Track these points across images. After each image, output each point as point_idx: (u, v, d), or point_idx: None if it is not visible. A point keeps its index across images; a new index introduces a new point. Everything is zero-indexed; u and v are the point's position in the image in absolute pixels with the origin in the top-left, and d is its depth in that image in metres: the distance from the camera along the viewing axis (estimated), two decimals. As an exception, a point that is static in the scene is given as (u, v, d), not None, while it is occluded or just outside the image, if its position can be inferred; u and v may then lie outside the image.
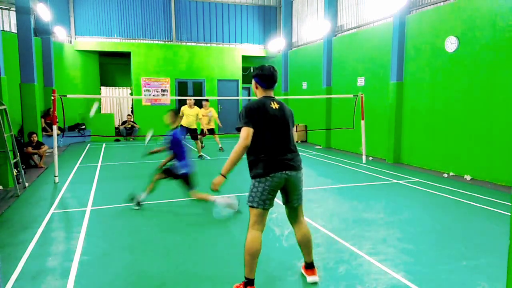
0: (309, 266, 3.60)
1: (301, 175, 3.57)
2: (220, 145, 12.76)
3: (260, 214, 3.31)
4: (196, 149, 11.49)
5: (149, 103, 16.80)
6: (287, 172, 3.34)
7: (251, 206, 3.34)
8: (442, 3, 9.07)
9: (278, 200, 6.60)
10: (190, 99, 11.01)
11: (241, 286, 3.37)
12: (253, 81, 3.45)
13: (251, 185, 3.34)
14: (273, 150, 3.26)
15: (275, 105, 3.34)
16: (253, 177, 3.32)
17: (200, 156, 11.14)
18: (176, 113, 5.93)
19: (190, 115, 10.87)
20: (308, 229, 3.66)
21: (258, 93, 3.45)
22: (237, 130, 3.26)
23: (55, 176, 7.80)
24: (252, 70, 19.37)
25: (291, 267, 3.88)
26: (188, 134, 10.91)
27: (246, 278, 3.32)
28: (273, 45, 17.92)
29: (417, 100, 9.72)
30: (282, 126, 3.33)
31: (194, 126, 11.06)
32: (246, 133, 3.16)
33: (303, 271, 3.71)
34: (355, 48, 12.17)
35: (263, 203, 3.30)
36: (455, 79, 8.59)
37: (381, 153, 11.10)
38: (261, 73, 3.36)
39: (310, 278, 3.58)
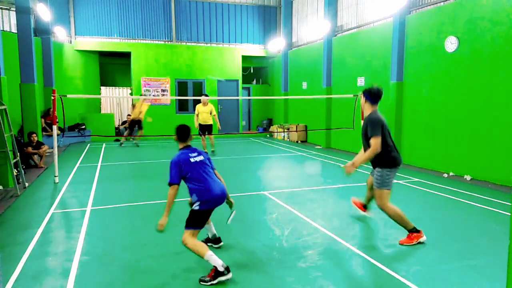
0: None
1: None
2: (213, 148, 12.09)
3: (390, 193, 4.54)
4: (206, 144, 11.54)
5: (149, 103, 16.78)
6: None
7: (387, 189, 4.49)
8: (442, 3, 9.07)
9: (279, 200, 6.61)
10: (204, 98, 11.42)
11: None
12: (363, 97, 4.96)
13: (381, 173, 4.51)
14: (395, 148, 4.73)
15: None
16: (386, 167, 4.51)
17: (213, 151, 11.77)
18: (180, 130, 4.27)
19: (204, 112, 11.34)
20: None
21: (366, 107, 4.94)
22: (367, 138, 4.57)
23: (55, 176, 7.81)
24: (251, 70, 19.42)
25: (291, 267, 3.88)
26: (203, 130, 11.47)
27: (409, 230, 4.50)
28: (273, 45, 17.92)
29: (417, 100, 9.72)
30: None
31: (210, 122, 11.44)
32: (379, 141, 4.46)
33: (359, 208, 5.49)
34: (355, 48, 12.17)
35: (391, 185, 4.54)
36: (455, 79, 8.59)
37: (381, 153, 11.08)
38: (372, 92, 4.98)
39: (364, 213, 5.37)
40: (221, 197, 3.84)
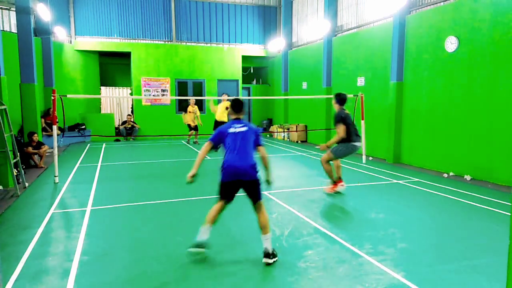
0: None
1: None
2: (196, 139, 14.54)
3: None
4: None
5: (149, 103, 16.80)
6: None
7: (333, 154, 6.77)
8: (442, 3, 9.07)
9: (279, 200, 6.60)
10: (225, 97, 12.27)
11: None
12: (334, 100, 6.88)
13: (337, 146, 6.66)
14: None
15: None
16: (342, 142, 6.61)
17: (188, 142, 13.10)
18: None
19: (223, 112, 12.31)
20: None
21: (336, 107, 6.82)
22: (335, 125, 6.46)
23: (55, 176, 7.80)
24: (251, 70, 19.42)
25: (291, 267, 3.88)
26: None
27: (333, 182, 6.73)
28: (273, 45, 17.92)
29: (417, 100, 9.72)
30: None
31: (223, 119, 12.16)
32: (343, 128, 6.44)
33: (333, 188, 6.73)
34: (355, 48, 12.17)
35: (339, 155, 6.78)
36: (455, 79, 8.59)
37: (381, 153, 11.10)
38: (340, 97, 6.85)
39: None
40: (239, 172, 3.92)
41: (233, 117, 4.26)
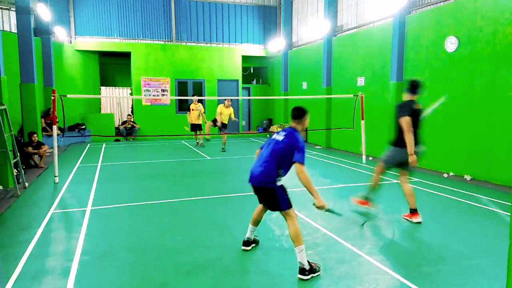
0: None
1: None
2: (201, 141, 14.13)
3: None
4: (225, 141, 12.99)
5: (149, 103, 16.80)
6: None
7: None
8: (442, 3, 9.07)
9: (278, 200, 6.55)
10: (228, 100, 12.61)
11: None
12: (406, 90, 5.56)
13: (392, 151, 5.48)
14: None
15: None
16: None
17: (223, 149, 12.64)
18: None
19: (225, 114, 12.56)
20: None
21: (407, 97, 5.54)
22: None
23: (55, 176, 7.81)
24: (251, 70, 19.43)
25: (291, 267, 3.87)
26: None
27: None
28: (273, 45, 17.92)
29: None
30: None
31: (226, 122, 12.71)
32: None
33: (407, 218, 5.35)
34: (355, 48, 12.17)
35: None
36: (455, 79, 8.59)
37: (381, 153, 11.05)
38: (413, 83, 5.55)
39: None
40: (252, 176, 3.90)
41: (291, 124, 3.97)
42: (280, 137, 3.83)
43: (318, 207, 3.80)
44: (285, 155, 3.71)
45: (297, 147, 3.67)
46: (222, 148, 12.67)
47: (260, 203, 4.16)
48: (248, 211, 5.83)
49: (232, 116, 12.73)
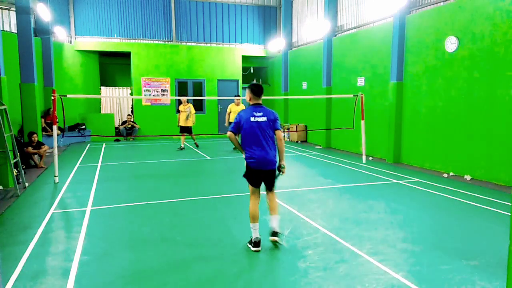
0: None
1: None
2: (195, 141, 13.96)
3: None
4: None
5: (149, 103, 16.80)
6: None
7: None
8: (442, 3, 9.07)
9: (279, 200, 6.59)
10: (238, 98, 12.30)
11: None
12: None
13: None
14: None
15: None
16: None
17: (235, 149, 12.15)
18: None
19: (236, 112, 11.96)
20: None
21: None
22: None
23: (55, 176, 7.81)
24: (251, 70, 19.43)
25: (291, 267, 3.88)
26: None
27: None
28: (273, 45, 17.92)
29: (417, 100, 9.72)
30: None
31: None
32: None
33: None
34: (355, 48, 12.17)
35: None
36: (455, 79, 8.59)
37: (381, 153, 11.10)
38: None
39: None
40: (264, 163, 4.21)
41: (253, 102, 4.35)
42: (263, 118, 4.23)
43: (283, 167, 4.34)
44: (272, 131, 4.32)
45: (276, 119, 4.32)
46: (234, 148, 12.40)
47: (257, 186, 4.39)
48: (248, 211, 5.83)
49: (183, 115, 12.55)
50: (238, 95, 12.71)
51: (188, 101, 13.06)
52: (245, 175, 4.42)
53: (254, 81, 4.74)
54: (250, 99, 4.37)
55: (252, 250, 4.23)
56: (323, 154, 12.08)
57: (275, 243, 4.35)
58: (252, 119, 4.22)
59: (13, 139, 7.65)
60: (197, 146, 13.61)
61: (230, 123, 12.16)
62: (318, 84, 14.24)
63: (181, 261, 4.05)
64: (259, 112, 4.26)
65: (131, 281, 3.61)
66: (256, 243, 4.25)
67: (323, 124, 13.76)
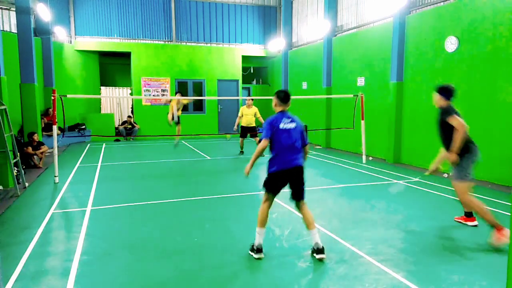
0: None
1: None
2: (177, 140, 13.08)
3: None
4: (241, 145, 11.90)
5: (149, 103, 16.80)
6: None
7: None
8: (442, 3, 9.07)
9: (279, 200, 6.59)
10: (249, 99, 11.56)
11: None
12: (438, 96, 4.85)
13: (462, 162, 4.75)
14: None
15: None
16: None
17: (242, 153, 11.74)
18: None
19: (248, 115, 11.45)
20: None
21: (443, 103, 4.82)
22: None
23: (55, 176, 7.80)
24: (251, 70, 19.43)
25: (291, 267, 3.88)
26: (247, 132, 11.63)
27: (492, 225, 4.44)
28: (273, 45, 17.92)
29: (417, 100, 9.72)
30: None
31: (253, 124, 11.52)
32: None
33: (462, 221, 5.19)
34: (355, 48, 12.17)
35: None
36: (455, 79, 8.58)
37: (381, 153, 11.10)
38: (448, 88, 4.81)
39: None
40: (289, 160, 4.04)
41: (280, 109, 4.22)
42: (293, 124, 4.13)
43: None
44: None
45: (303, 129, 4.24)
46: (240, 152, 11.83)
47: (276, 192, 4.16)
48: (248, 211, 5.83)
49: (258, 114, 11.47)
50: (251, 98, 11.87)
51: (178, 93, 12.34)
52: (265, 184, 4.14)
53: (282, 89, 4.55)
54: (278, 106, 4.22)
55: (255, 258, 4.04)
56: (323, 154, 12.08)
57: (321, 260, 4.03)
58: (282, 125, 4.07)
59: (13, 139, 7.65)
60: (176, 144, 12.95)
61: (239, 126, 11.66)
62: (318, 84, 14.24)
63: (181, 261, 4.05)
64: (288, 118, 4.14)
65: (131, 281, 3.61)
66: (259, 250, 4.07)
67: (323, 124, 13.76)
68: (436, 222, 5.32)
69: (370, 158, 11.02)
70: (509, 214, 5.32)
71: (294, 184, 4.14)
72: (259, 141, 4.12)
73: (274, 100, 4.21)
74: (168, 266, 3.92)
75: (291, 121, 4.13)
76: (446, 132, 4.74)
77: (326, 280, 3.61)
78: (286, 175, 4.08)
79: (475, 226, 5.08)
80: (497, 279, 3.61)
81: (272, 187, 4.12)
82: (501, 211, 5.76)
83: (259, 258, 4.04)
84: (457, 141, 4.51)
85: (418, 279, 3.60)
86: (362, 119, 10.41)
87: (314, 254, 4.07)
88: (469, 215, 5.16)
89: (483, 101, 7.93)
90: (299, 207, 4.25)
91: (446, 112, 4.69)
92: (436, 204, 6.23)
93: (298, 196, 4.18)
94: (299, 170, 4.12)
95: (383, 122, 10.93)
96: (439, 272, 3.76)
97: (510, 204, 6.06)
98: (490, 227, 4.46)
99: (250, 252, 4.16)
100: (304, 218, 4.20)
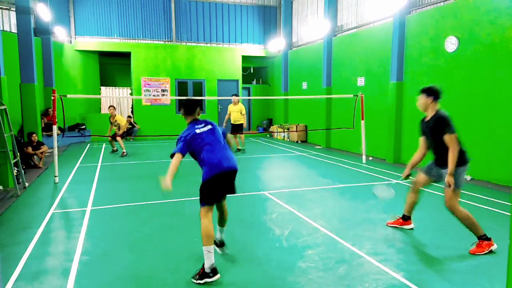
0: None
1: None
2: (243, 146, 12.51)
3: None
4: (239, 142, 12.33)
5: (149, 103, 16.80)
6: None
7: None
8: (442, 3, 9.07)
9: (279, 200, 6.59)
10: (235, 98, 12.02)
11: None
12: (425, 97, 5.00)
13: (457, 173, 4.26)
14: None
15: None
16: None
17: (241, 150, 12.09)
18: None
19: (234, 112, 11.91)
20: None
21: (433, 106, 4.92)
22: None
23: (55, 176, 7.80)
24: (251, 70, 19.43)
25: (291, 267, 3.88)
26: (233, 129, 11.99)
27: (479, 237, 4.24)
28: (273, 45, 17.92)
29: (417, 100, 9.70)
30: None
31: (240, 121, 11.96)
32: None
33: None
34: (355, 48, 12.17)
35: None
36: (455, 79, 8.59)
37: (381, 153, 11.09)
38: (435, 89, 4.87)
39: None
40: (231, 164, 3.76)
41: (190, 120, 3.92)
42: (207, 127, 3.86)
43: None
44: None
45: (219, 128, 4.02)
46: (243, 149, 12.13)
47: (221, 196, 3.90)
48: (248, 211, 5.83)
49: (243, 112, 11.80)
50: (237, 94, 12.46)
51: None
52: (203, 196, 3.78)
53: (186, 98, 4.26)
54: (187, 117, 3.98)
55: (211, 282, 3.49)
56: (323, 154, 12.08)
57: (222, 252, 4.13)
58: (198, 131, 3.81)
59: (13, 139, 7.65)
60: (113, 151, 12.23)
61: (232, 125, 11.91)
62: (318, 84, 14.24)
63: (181, 261, 4.05)
64: (200, 124, 3.89)
65: (131, 281, 3.61)
66: (215, 270, 3.53)
67: (323, 124, 13.76)
68: (436, 222, 5.32)
69: (370, 158, 11.02)
70: (509, 214, 5.33)
71: (227, 186, 3.84)
72: (171, 155, 3.75)
73: (182, 111, 3.95)
74: (168, 266, 3.92)
75: (205, 125, 3.87)
76: (440, 144, 4.51)
77: (326, 280, 3.61)
78: (221, 179, 3.72)
79: (411, 229, 4.95)
80: (497, 279, 3.61)
81: (211, 197, 3.74)
82: (501, 211, 5.76)
83: (216, 280, 3.51)
84: (453, 161, 4.21)
85: (418, 279, 3.60)
86: (362, 119, 10.41)
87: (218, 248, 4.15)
88: (406, 219, 5.01)
89: (483, 101, 7.93)
90: (221, 204, 4.01)
91: (446, 125, 4.38)
92: (436, 204, 6.23)
93: (230, 193, 3.93)
94: (234, 174, 3.82)
95: (383, 122, 10.93)
96: (439, 272, 3.76)
97: (510, 204, 6.06)
98: (476, 237, 4.26)
99: (198, 280, 3.49)
100: (224, 215, 4.07)
